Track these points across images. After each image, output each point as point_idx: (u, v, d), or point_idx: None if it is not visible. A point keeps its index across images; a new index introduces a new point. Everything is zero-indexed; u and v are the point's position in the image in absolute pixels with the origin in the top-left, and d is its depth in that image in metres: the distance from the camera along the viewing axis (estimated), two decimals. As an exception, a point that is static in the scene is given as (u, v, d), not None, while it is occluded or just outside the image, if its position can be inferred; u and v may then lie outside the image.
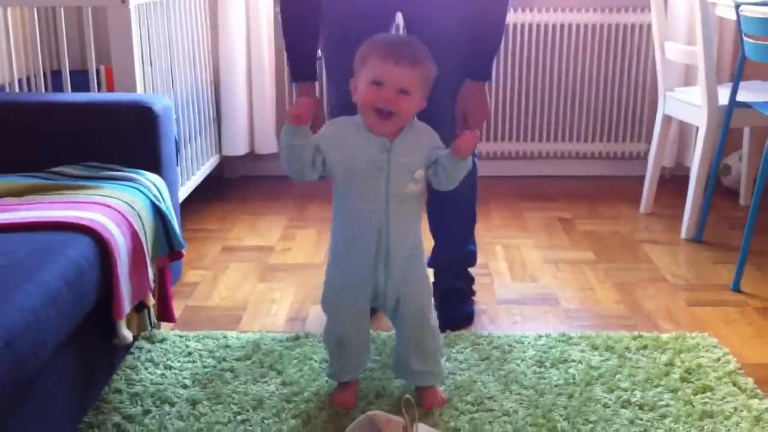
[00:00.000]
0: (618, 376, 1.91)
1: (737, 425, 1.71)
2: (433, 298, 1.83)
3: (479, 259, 2.46)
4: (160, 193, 1.94)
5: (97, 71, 2.47)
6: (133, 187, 1.85)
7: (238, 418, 1.74)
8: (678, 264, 2.69)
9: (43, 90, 2.58)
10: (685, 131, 3.53)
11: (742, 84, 2.75)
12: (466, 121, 2.07)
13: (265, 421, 1.72)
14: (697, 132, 2.98)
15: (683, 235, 2.91)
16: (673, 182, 3.47)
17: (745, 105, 2.73)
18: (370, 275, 1.72)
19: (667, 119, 3.13)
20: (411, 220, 1.76)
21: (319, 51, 2.11)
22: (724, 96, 2.79)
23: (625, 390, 1.85)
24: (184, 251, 1.97)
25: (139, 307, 1.79)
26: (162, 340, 2.05)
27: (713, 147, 2.85)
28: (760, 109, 2.64)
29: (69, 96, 2.24)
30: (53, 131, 2.02)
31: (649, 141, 3.41)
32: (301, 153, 1.67)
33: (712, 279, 2.55)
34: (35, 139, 2.02)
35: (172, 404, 1.79)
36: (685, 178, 3.01)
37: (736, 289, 2.45)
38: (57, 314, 1.38)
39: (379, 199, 1.69)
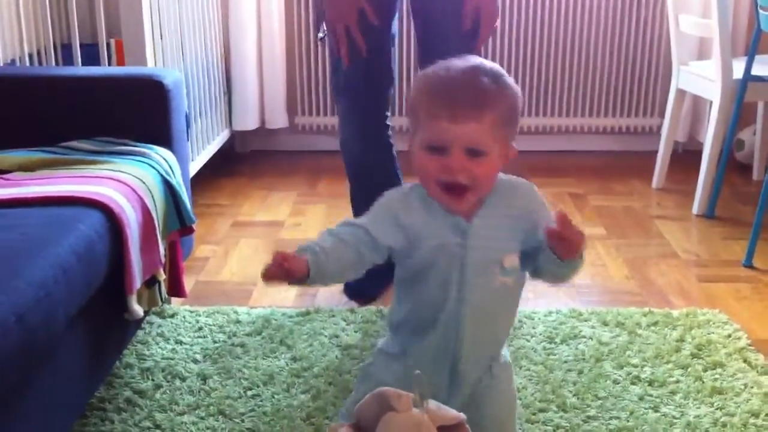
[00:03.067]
0: (628, 352, 1.90)
1: (747, 401, 1.71)
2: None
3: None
4: (171, 168, 1.94)
5: (108, 45, 2.47)
6: (144, 162, 1.85)
7: (249, 393, 1.75)
8: (690, 240, 2.67)
9: (53, 64, 2.57)
10: (698, 105, 3.50)
11: (757, 57, 2.72)
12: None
13: (275, 396, 1.73)
14: (710, 106, 2.96)
15: (695, 210, 2.89)
16: (686, 157, 3.44)
17: (760, 79, 2.70)
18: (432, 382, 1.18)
19: (681, 93, 3.10)
20: (496, 323, 1.33)
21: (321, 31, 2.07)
22: (738, 70, 2.76)
23: (635, 366, 1.85)
24: (194, 226, 1.98)
25: (150, 282, 1.80)
26: (173, 315, 2.06)
27: (727, 121, 2.82)
28: (775, 84, 2.61)
29: (79, 70, 2.24)
30: (63, 105, 2.01)
31: (662, 115, 3.38)
32: (339, 264, 1.25)
33: (724, 255, 2.54)
34: (46, 114, 2.01)
35: (183, 379, 1.80)
36: (698, 153, 2.99)
37: (748, 264, 2.44)
38: (68, 289, 1.38)
39: (450, 296, 1.26)
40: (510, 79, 1.25)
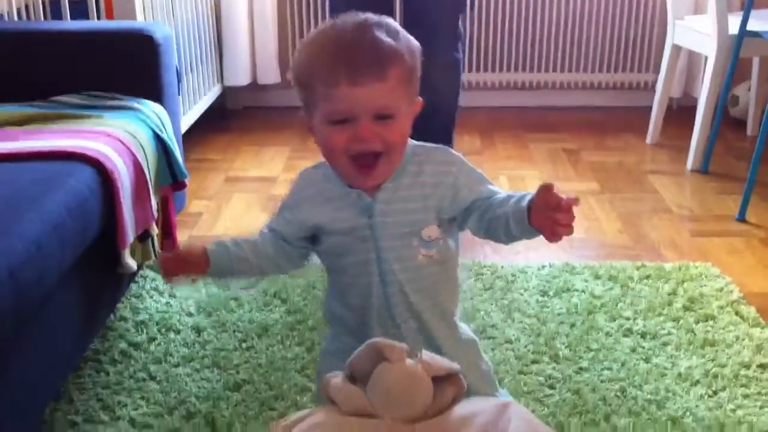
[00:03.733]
0: (620, 305, 1.91)
1: (738, 353, 1.72)
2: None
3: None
4: (162, 123, 1.92)
5: (96, -1, 2.43)
6: (134, 117, 1.83)
7: (243, 345, 1.75)
8: (683, 194, 2.68)
9: (42, 19, 2.54)
10: (693, 61, 3.48)
11: (753, 12, 2.69)
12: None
13: (270, 348, 1.74)
14: (705, 62, 2.94)
15: (689, 165, 2.89)
16: (681, 113, 3.43)
17: (756, 34, 2.68)
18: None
19: (676, 49, 3.08)
20: (432, 299, 1.23)
21: None
22: (734, 25, 2.73)
23: (627, 319, 1.86)
24: (187, 181, 1.97)
25: (143, 236, 1.79)
26: (167, 270, 2.06)
27: (722, 77, 2.81)
28: (771, 38, 2.59)
29: (68, 24, 2.21)
30: (52, 60, 1.99)
31: (657, 71, 3.36)
32: (256, 263, 1.24)
33: (717, 209, 2.55)
34: (34, 69, 1.99)
35: (177, 332, 1.80)
36: (693, 109, 2.98)
37: (742, 219, 2.45)
38: (60, 243, 1.38)
39: (372, 279, 1.18)
40: (404, 32, 1.14)
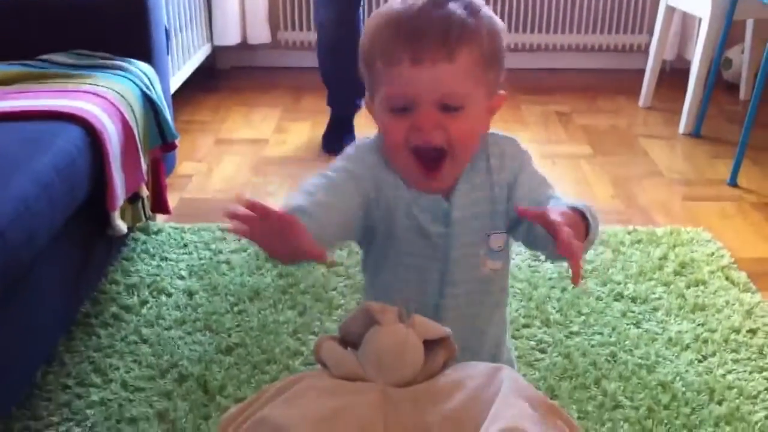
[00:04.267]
0: (611, 269, 1.92)
1: (729, 318, 1.73)
2: None
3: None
4: (151, 83, 1.89)
5: (83, -45, 2.38)
6: (123, 76, 1.80)
7: (235, 308, 1.75)
8: (675, 158, 2.67)
9: (28, -25, 2.49)
10: (687, 23, 3.45)
11: (749, -26, 2.67)
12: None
13: (262, 312, 1.74)
14: (699, 24, 2.92)
15: (681, 129, 2.88)
16: (674, 76, 3.41)
17: (751, -4, 2.66)
18: None
19: (670, 10, 3.05)
20: (485, 317, 1.10)
21: None
22: (729, -14, 2.71)
23: (618, 283, 1.86)
24: (177, 142, 1.95)
25: (134, 198, 1.78)
26: (157, 232, 2.05)
27: (715, 39, 2.79)
28: (765, 1, 2.57)
29: (54, -19, 2.16)
30: (40, 19, 1.95)
31: (650, 33, 3.33)
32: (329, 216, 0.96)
33: (709, 174, 2.54)
34: (22, 27, 1.95)
35: (169, 295, 1.80)
36: (686, 72, 2.96)
37: (733, 183, 2.45)
38: (49, 204, 1.36)
39: (428, 290, 1.05)
40: (490, 11, 0.98)
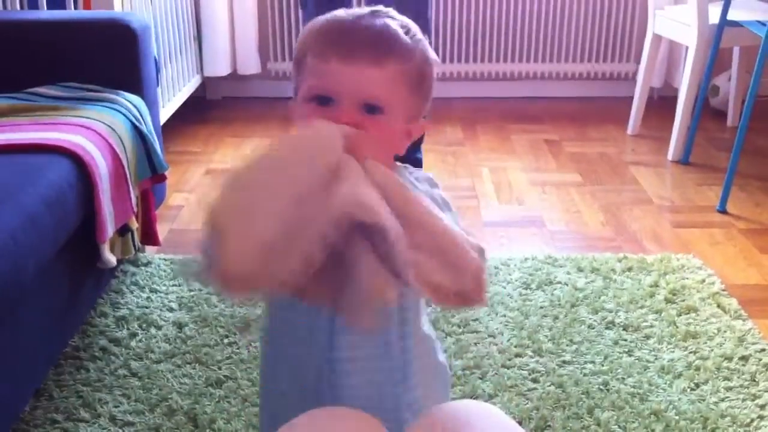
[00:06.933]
0: (603, 297, 1.92)
1: (720, 345, 1.73)
2: None
3: (465, 182, 2.44)
4: (141, 115, 1.89)
5: (73, -12, 2.39)
6: (112, 109, 1.81)
7: (225, 341, 1.74)
8: (664, 186, 2.68)
9: (18, 8, 2.49)
10: (674, 51, 3.48)
11: (733, 2, 2.70)
12: None
13: (253, 344, 1.72)
14: (686, 52, 2.94)
15: (670, 156, 2.90)
16: (661, 103, 3.44)
17: (736, 24, 2.69)
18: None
19: (657, 38, 3.08)
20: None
21: None
22: (714, 14, 2.74)
23: (610, 311, 1.86)
24: (167, 174, 1.94)
25: (123, 230, 1.77)
26: (147, 264, 2.04)
27: (702, 67, 2.81)
28: (751, 28, 2.60)
29: (45, 14, 2.17)
30: (29, 51, 1.95)
31: (637, 61, 3.36)
32: None
33: (698, 201, 2.55)
34: (10, 59, 1.95)
35: (159, 327, 1.78)
36: (673, 99, 2.98)
37: (722, 210, 2.46)
38: (37, 237, 1.35)
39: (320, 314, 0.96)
40: (424, 39, 0.99)
